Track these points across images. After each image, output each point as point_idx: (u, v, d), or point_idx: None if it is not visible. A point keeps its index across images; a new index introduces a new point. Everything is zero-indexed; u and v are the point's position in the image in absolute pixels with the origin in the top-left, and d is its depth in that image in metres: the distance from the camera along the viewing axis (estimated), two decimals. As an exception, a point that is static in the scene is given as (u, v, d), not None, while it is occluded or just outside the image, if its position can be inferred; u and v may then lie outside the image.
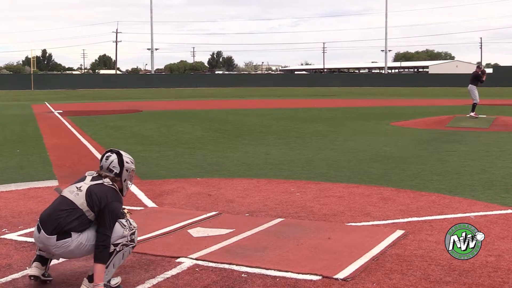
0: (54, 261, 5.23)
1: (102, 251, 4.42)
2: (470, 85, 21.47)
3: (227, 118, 23.97)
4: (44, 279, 4.69)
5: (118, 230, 4.54)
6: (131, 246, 4.60)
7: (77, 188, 4.59)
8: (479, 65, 22.54)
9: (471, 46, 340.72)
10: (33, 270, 4.66)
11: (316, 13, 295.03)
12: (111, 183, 4.66)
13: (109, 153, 4.78)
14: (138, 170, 10.56)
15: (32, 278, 4.66)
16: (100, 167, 4.76)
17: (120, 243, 4.52)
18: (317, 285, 4.62)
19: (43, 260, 4.69)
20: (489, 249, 5.45)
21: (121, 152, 4.81)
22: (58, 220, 4.45)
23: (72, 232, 4.43)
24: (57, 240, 4.43)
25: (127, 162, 4.77)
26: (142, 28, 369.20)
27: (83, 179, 4.69)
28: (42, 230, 4.48)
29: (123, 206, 4.81)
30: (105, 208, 4.50)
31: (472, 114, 20.90)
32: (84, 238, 4.46)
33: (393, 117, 23.36)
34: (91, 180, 4.64)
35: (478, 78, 21.21)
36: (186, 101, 41.85)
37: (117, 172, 4.71)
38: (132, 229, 4.62)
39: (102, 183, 4.63)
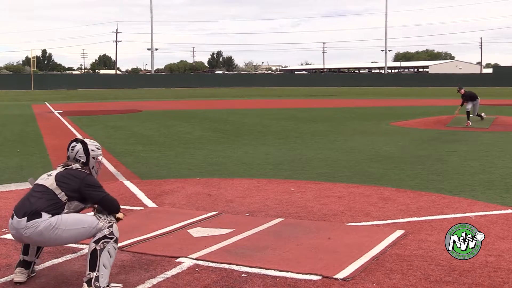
0: (53, 262, 5.24)
1: (117, 205, 4.69)
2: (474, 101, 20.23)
3: (227, 118, 23.97)
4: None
5: (93, 221, 4.53)
6: (113, 241, 4.51)
7: (47, 175, 4.69)
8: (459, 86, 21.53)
9: (471, 46, 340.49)
10: (18, 276, 4.72)
11: (316, 13, 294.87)
12: (79, 167, 4.75)
13: (74, 143, 4.84)
14: (138, 170, 10.66)
15: (18, 284, 4.70)
16: (67, 157, 4.82)
17: (99, 238, 4.47)
18: (317, 285, 4.62)
19: (26, 264, 4.76)
20: (489, 249, 5.45)
21: (86, 140, 4.87)
22: (30, 202, 4.51)
23: (42, 213, 4.43)
24: (27, 221, 4.41)
25: (92, 150, 4.82)
26: (142, 28, 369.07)
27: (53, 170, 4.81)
28: (15, 217, 4.51)
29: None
30: (82, 185, 4.59)
31: (469, 122, 19.90)
32: (54, 221, 4.42)
33: (393, 117, 23.37)
34: (60, 168, 4.75)
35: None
36: (186, 101, 41.86)
37: (84, 161, 4.77)
38: (110, 222, 4.58)
39: (71, 167, 4.74)
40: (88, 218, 4.56)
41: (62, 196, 4.53)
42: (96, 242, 4.46)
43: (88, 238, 4.58)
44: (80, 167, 4.74)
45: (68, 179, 4.61)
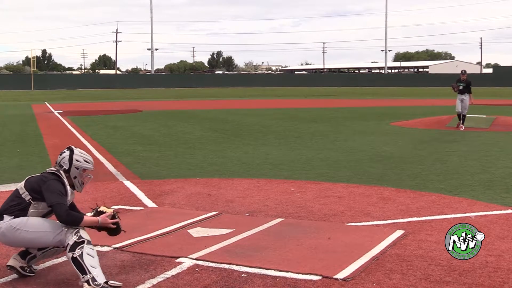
0: (53, 262, 5.23)
1: (68, 218, 4.58)
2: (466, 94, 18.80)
3: (227, 118, 23.97)
4: (24, 273, 4.82)
5: (56, 227, 4.63)
6: (86, 243, 4.54)
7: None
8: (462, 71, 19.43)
9: (471, 46, 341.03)
10: (11, 261, 4.84)
11: (317, 13, 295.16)
12: (53, 169, 4.87)
13: (65, 150, 4.98)
14: (138, 170, 10.66)
15: (8, 268, 4.82)
16: (56, 161, 4.96)
17: (71, 246, 4.51)
18: (317, 285, 4.62)
19: (23, 254, 4.84)
20: (489, 249, 5.45)
21: (76, 150, 4.95)
22: None
23: (5, 215, 4.61)
24: None
25: (77, 160, 4.89)
26: (142, 28, 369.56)
27: None
28: None
29: (113, 207, 4.98)
30: (43, 187, 4.68)
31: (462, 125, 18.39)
32: (17, 222, 4.57)
33: (393, 117, 23.37)
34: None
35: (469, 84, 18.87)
36: (186, 101, 41.85)
37: (66, 168, 4.87)
38: (76, 228, 4.62)
39: (47, 171, 4.88)
40: (52, 224, 4.67)
41: (26, 195, 4.66)
42: (71, 250, 4.51)
43: (52, 245, 4.68)
44: (53, 169, 4.87)
45: (34, 179, 4.78)
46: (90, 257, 4.50)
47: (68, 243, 4.52)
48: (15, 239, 4.64)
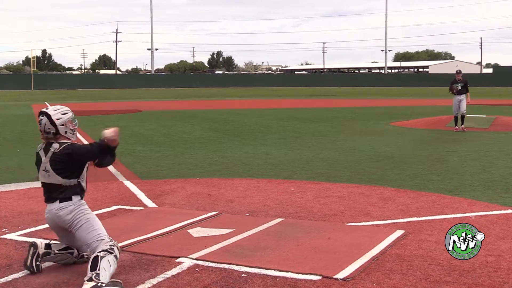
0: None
1: (95, 149, 4.96)
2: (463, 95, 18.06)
3: (227, 118, 23.97)
4: (32, 263, 4.87)
5: (102, 233, 4.84)
6: (113, 255, 4.64)
7: (44, 170, 4.96)
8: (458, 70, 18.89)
9: (471, 46, 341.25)
10: (37, 240, 5.06)
11: (317, 13, 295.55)
12: (42, 145, 5.07)
13: (40, 117, 4.99)
14: (138, 170, 10.66)
15: (32, 243, 4.93)
16: (40, 131, 5.03)
17: (101, 250, 4.61)
18: (317, 285, 4.62)
19: (47, 245, 4.99)
20: (489, 249, 5.44)
21: (49, 111, 4.97)
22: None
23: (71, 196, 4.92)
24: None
25: (57, 119, 4.95)
26: (142, 28, 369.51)
27: (40, 159, 5.05)
28: None
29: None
30: (72, 156, 4.91)
31: (457, 127, 17.64)
32: (85, 208, 4.94)
33: (393, 117, 23.37)
34: (45, 156, 5.00)
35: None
36: (186, 101, 41.86)
37: (54, 131, 4.97)
38: (114, 242, 4.77)
39: (52, 152, 4.97)
40: (103, 229, 4.88)
41: (64, 182, 4.88)
42: (99, 252, 4.62)
43: (88, 243, 4.78)
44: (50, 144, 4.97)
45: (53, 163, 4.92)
46: (108, 263, 4.57)
47: (101, 248, 4.64)
48: (71, 220, 4.80)
